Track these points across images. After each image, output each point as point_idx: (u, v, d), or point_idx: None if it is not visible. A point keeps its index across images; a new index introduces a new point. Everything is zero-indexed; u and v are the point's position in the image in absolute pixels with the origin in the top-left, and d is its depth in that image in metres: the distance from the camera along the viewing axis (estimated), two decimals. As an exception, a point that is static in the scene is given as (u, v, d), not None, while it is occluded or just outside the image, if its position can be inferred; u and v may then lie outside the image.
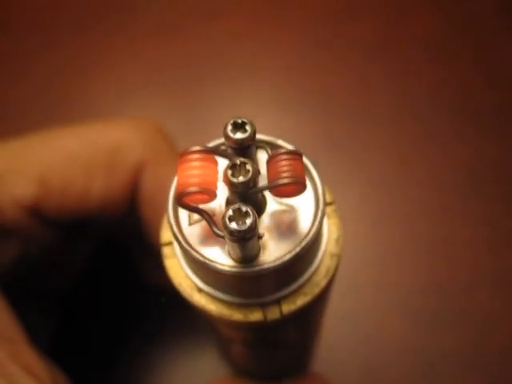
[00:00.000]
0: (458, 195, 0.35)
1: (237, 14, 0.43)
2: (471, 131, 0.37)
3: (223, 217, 0.13)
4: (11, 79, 0.41)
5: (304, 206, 0.16)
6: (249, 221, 0.13)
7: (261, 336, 0.18)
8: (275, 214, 0.16)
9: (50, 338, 0.29)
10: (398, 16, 0.43)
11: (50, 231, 0.25)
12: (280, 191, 0.14)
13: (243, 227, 0.13)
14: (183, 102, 0.41)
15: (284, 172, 0.14)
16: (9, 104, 0.40)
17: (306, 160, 0.16)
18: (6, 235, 0.24)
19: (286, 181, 0.14)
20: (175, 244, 0.17)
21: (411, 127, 0.37)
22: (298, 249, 0.15)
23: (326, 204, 0.15)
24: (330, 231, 0.17)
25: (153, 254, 0.29)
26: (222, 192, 0.15)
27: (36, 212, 0.24)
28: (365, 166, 0.36)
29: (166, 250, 0.17)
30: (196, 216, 0.16)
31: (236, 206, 0.13)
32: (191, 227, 0.16)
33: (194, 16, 0.44)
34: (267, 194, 0.16)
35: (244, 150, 0.15)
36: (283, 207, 0.16)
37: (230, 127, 0.14)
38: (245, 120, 0.14)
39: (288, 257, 0.14)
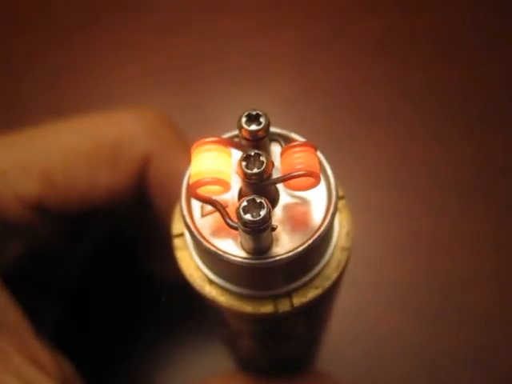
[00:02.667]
0: (460, 193, 0.35)
1: (241, 13, 0.43)
2: (474, 129, 0.37)
3: (237, 208, 0.13)
4: (17, 75, 0.41)
5: (316, 200, 0.16)
6: (263, 212, 0.13)
7: (270, 329, 0.18)
8: (288, 207, 0.16)
9: (55, 329, 0.29)
10: (401, 15, 0.43)
11: (56, 226, 0.25)
12: (294, 184, 0.14)
13: (257, 218, 0.13)
14: (187, 100, 0.41)
15: (298, 164, 0.14)
16: (15, 98, 0.41)
17: (319, 153, 0.16)
18: (10, 233, 0.24)
19: (300, 173, 0.14)
20: (186, 235, 0.17)
21: (413, 125, 0.37)
22: (310, 241, 0.15)
23: (338, 198, 0.15)
24: (340, 225, 0.17)
25: (161, 247, 0.29)
26: (235, 184, 0.15)
27: (40, 208, 0.24)
28: (366, 164, 0.36)
29: (177, 242, 0.17)
30: (209, 207, 0.16)
31: (250, 197, 0.13)
32: (204, 219, 0.16)
33: (198, 14, 0.44)
34: (280, 186, 0.16)
35: (258, 141, 0.15)
36: (296, 200, 0.16)
37: (244, 119, 0.14)
38: (259, 112, 0.14)
39: (301, 249, 0.14)
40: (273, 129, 0.16)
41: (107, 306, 0.32)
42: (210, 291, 0.16)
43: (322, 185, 0.16)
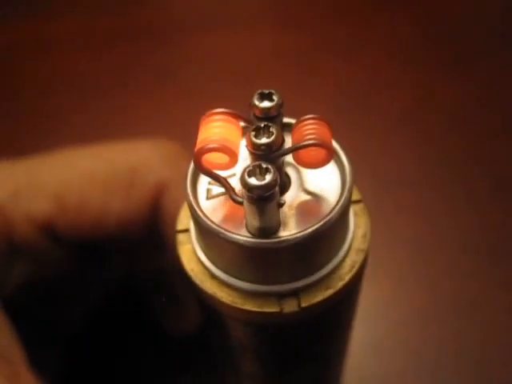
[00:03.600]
0: (484, 259, 0.33)
1: (264, 83, 0.45)
2: (498, 199, 0.36)
3: (242, 173, 0.13)
4: (46, 136, 0.43)
5: (329, 191, 0.15)
6: (269, 177, 0.12)
7: (276, 340, 0.16)
8: (298, 196, 0.15)
9: (53, 373, 0.27)
10: (429, 84, 0.44)
11: (63, 253, 0.24)
12: (305, 159, 0.14)
13: (263, 182, 0.12)
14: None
15: (309, 134, 0.13)
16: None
17: (333, 141, 0.15)
18: (16, 252, 0.23)
19: (310, 142, 0.13)
20: (191, 228, 0.16)
21: (437, 191, 0.36)
22: (320, 223, 0.13)
23: (353, 184, 0.14)
24: (356, 227, 0.16)
25: (174, 299, 0.28)
26: (244, 164, 0.14)
27: (50, 230, 0.23)
28: (386, 228, 0.35)
29: (180, 237, 0.16)
30: (215, 191, 0.15)
31: (256, 162, 0.13)
32: (209, 201, 0.15)
33: (226, 81, 0.46)
34: (292, 175, 0.15)
35: (270, 121, 0.14)
36: (307, 190, 0.15)
37: (256, 96, 0.14)
38: (272, 90, 0.14)
39: (309, 231, 0.13)
40: (287, 119, 0.15)
41: (112, 358, 0.30)
42: (210, 286, 0.15)
43: (336, 174, 0.15)
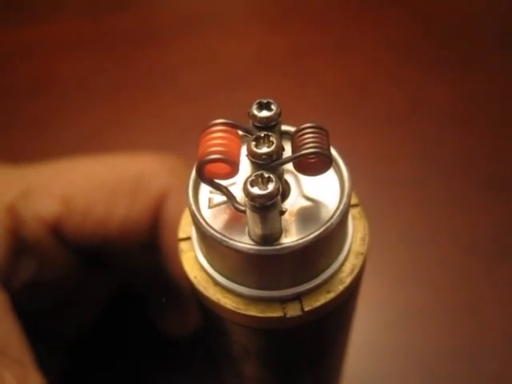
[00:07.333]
0: (482, 259, 0.33)
1: (262, 85, 0.45)
2: (496, 198, 0.36)
3: (244, 183, 0.13)
4: (52, 138, 0.43)
5: (328, 197, 0.15)
6: (271, 186, 0.13)
7: (279, 344, 0.16)
8: (298, 202, 0.15)
9: (53, 376, 0.27)
10: (424, 83, 0.44)
11: (68, 255, 0.25)
12: (304, 165, 0.14)
13: (265, 192, 0.13)
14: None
15: (309, 143, 0.14)
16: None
17: (331, 148, 0.15)
18: (23, 250, 0.24)
19: (310, 150, 0.13)
20: (193, 236, 0.16)
21: (436, 191, 0.37)
22: (322, 229, 0.14)
23: (351, 189, 0.15)
24: (355, 230, 0.16)
25: (171, 302, 0.28)
26: (244, 172, 0.15)
27: (56, 231, 0.24)
28: (386, 229, 0.35)
29: (182, 245, 0.16)
30: (216, 200, 0.15)
31: (258, 172, 0.13)
32: (211, 210, 0.15)
33: (221, 84, 0.46)
34: (292, 183, 0.15)
35: (269, 130, 0.14)
36: (307, 197, 0.15)
37: (255, 106, 0.14)
38: (270, 100, 0.14)
39: (311, 237, 0.14)
40: (285, 127, 0.16)
41: (113, 359, 0.30)
42: (214, 293, 0.15)
43: (334, 179, 0.15)
